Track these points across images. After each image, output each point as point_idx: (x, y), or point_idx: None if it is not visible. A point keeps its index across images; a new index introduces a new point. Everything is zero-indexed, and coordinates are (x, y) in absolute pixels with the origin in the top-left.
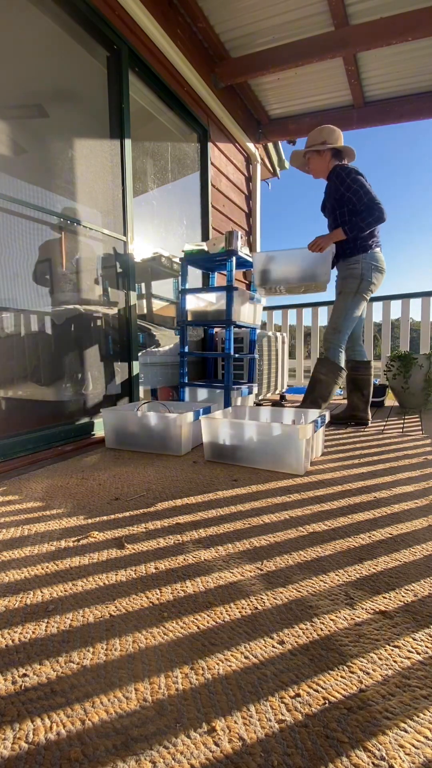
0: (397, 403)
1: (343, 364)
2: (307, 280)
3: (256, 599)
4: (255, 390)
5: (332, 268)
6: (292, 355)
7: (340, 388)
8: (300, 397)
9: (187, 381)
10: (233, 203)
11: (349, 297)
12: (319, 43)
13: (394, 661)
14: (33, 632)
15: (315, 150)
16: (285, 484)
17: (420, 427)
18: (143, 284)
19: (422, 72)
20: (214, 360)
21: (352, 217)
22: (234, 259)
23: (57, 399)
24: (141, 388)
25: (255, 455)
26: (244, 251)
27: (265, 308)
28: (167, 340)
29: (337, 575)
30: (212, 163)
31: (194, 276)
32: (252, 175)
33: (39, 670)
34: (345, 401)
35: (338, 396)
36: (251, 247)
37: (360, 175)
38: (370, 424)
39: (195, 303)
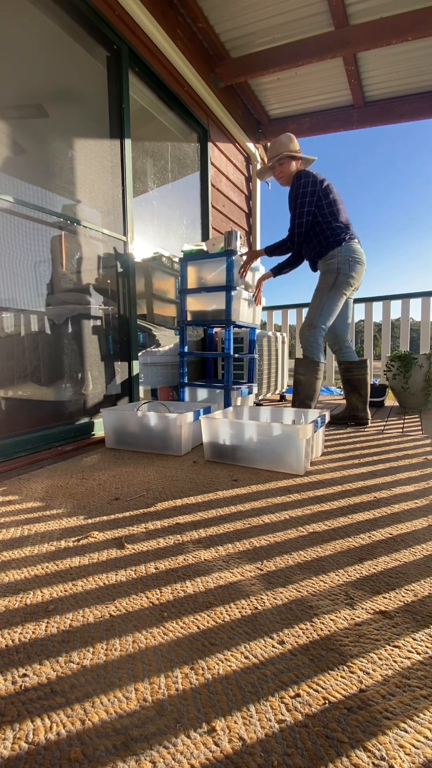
0: (397, 403)
1: (320, 358)
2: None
3: (256, 599)
4: (255, 390)
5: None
6: (292, 355)
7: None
8: None
9: (187, 381)
10: (233, 203)
11: (324, 292)
12: (319, 43)
13: (394, 661)
14: (33, 632)
15: (278, 160)
16: (285, 484)
17: (420, 427)
18: (143, 284)
19: (422, 72)
20: (214, 360)
21: (281, 240)
22: (234, 259)
23: (57, 399)
24: (141, 388)
25: (255, 455)
26: (243, 251)
27: (265, 308)
28: (167, 340)
29: (337, 575)
30: (212, 163)
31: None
32: (252, 175)
33: (39, 670)
34: (344, 401)
35: (338, 396)
36: (251, 247)
37: (312, 192)
38: (370, 424)
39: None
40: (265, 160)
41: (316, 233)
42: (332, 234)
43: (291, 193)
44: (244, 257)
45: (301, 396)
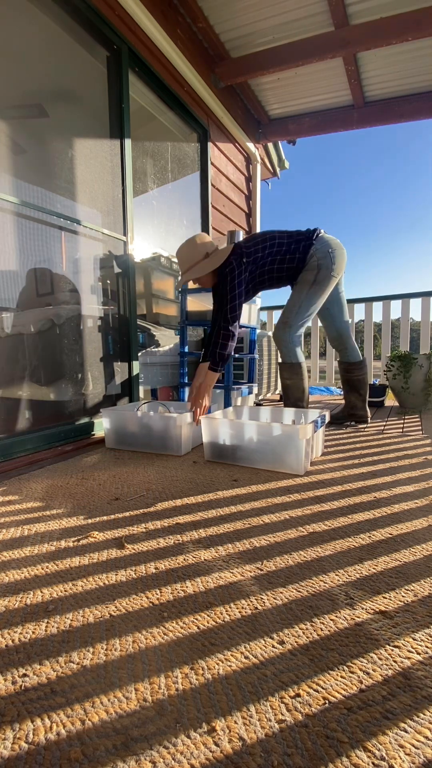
0: (397, 403)
1: (299, 357)
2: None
3: (256, 599)
4: (255, 390)
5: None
6: None
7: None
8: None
9: (187, 381)
10: (233, 203)
11: (304, 288)
12: (319, 43)
13: (394, 661)
14: (33, 632)
15: (191, 276)
16: (285, 484)
17: (420, 427)
18: (143, 284)
19: (422, 72)
20: None
21: (214, 346)
22: None
23: (57, 399)
24: (141, 388)
25: (255, 455)
26: None
27: (264, 308)
28: (167, 340)
29: (337, 575)
30: (212, 163)
31: None
32: (252, 175)
33: (39, 670)
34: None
35: (338, 396)
36: None
37: (242, 263)
38: (369, 424)
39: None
40: (266, 161)
41: (283, 269)
42: (296, 251)
43: (219, 290)
44: (194, 401)
45: (292, 399)
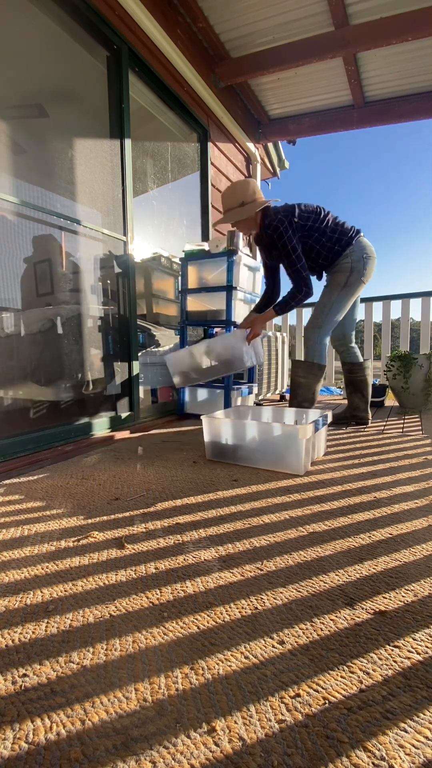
0: (397, 403)
1: (324, 360)
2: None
3: (256, 599)
4: (255, 390)
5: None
6: (292, 355)
7: (340, 388)
8: None
9: None
10: None
11: (335, 290)
12: (319, 43)
13: (394, 661)
14: (33, 632)
15: (238, 218)
16: (285, 484)
17: (420, 427)
18: (143, 284)
19: (422, 72)
20: None
21: (290, 293)
22: (235, 259)
23: (57, 399)
24: (141, 388)
25: (255, 455)
26: (245, 251)
27: None
28: (167, 340)
29: (337, 575)
30: (212, 163)
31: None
32: (252, 175)
33: (39, 670)
34: (345, 401)
35: (338, 396)
36: (251, 247)
37: (290, 225)
38: (370, 424)
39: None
40: (266, 161)
41: (318, 253)
42: (338, 241)
43: (267, 240)
44: (246, 331)
45: (299, 399)
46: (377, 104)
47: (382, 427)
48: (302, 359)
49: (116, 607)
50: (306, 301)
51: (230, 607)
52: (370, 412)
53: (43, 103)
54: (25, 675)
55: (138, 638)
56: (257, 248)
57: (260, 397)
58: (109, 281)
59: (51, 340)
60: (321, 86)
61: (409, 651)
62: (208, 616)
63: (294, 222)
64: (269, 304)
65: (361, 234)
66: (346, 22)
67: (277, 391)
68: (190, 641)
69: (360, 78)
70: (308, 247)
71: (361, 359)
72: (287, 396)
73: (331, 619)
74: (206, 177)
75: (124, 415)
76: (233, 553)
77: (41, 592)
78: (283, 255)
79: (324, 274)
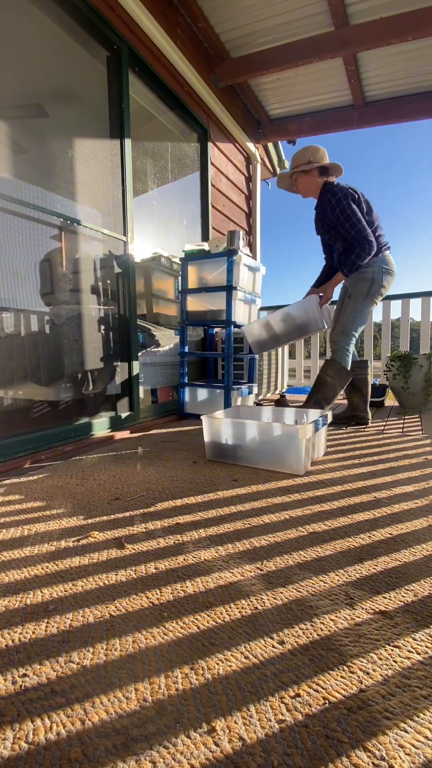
0: (397, 403)
1: (348, 365)
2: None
3: (256, 599)
4: (255, 390)
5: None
6: (292, 355)
7: None
8: (300, 397)
9: (187, 381)
10: (233, 203)
11: (359, 299)
12: (319, 43)
13: (394, 661)
14: (33, 632)
15: (302, 170)
16: (285, 484)
17: (420, 427)
18: (143, 284)
19: (422, 72)
20: (214, 360)
21: (348, 255)
22: (235, 259)
23: (57, 399)
24: (141, 388)
25: (255, 455)
26: (245, 251)
27: (264, 308)
28: (167, 340)
29: (337, 575)
30: (212, 163)
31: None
32: (252, 175)
33: (39, 670)
34: (345, 401)
35: (338, 396)
36: (251, 247)
37: (351, 197)
38: (370, 424)
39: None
40: (266, 161)
41: (352, 245)
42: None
43: (326, 206)
44: (317, 296)
45: (319, 396)
46: (377, 104)
47: (382, 427)
48: (335, 360)
49: (116, 607)
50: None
51: (230, 607)
52: (369, 411)
53: (43, 103)
54: (25, 675)
55: (138, 638)
56: (252, 248)
57: (260, 397)
58: (109, 281)
59: (50, 340)
60: (321, 86)
61: (409, 651)
62: (208, 616)
63: (354, 197)
64: (330, 276)
65: (389, 251)
66: (346, 22)
67: (277, 391)
68: (190, 641)
69: (360, 78)
70: (341, 244)
71: (358, 358)
72: (287, 396)
73: (331, 619)
74: (206, 177)
75: (124, 415)
76: (233, 553)
77: (41, 592)
78: (341, 219)
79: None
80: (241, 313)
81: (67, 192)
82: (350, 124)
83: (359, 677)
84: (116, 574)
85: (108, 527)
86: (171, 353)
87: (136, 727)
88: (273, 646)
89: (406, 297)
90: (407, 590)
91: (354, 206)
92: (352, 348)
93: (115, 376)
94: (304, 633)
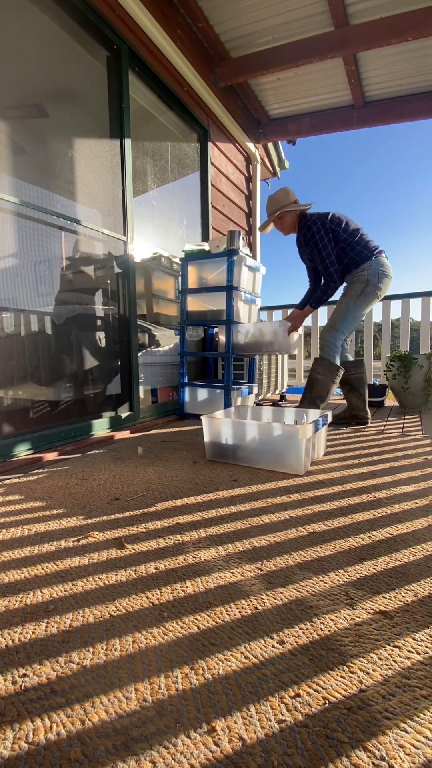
0: (397, 403)
1: (337, 360)
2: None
3: (256, 599)
4: (255, 390)
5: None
6: (292, 356)
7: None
8: (300, 397)
9: (187, 381)
10: (233, 203)
11: (352, 298)
12: (319, 43)
13: (394, 661)
14: (33, 632)
15: (277, 217)
16: (285, 484)
17: (420, 427)
18: (143, 284)
19: (422, 72)
20: (214, 360)
21: (316, 290)
22: (235, 259)
23: (57, 399)
24: (141, 388)
25: (255, 455)
26: (245, 251)
27: (264, 308)
28: (167, 340)
29: (337, 575)
30: (212, 163)
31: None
32: (252, 175)
33: (39, 670)
34: (344, 401)
35: (338, 396)
36: (251, 247)
37: (326, 229)
38: (370, 424)
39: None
40: (266, 161)
41: (341, 259)
42: (359, 253)
43: (302, 239)
44: (288, 324)
45: (313, 394)
46: (377, 104)
47: (382, 427)
48: (322, 356)
49: (116, 607)
50: (334, 296)
51: (230, 607)
52: (369, 411)
53: (43, 103)
54: (25, 675)
55: (138, 638)
56: (252, 248)
57: (260, 397)
58: (109, 281)
59: (51, 340)
60: (321, 86)
61: (409, 651)
62: (208, 616)
63: (326, 225)
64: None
65: (384, 254)
66: (346, 22)
67: (277, 391)
68: (190, 641)
69: (360, 78)
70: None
71: (352, 357)
72: (287, 396)
73: (331, 619)
74: (206, 177)
75: (124, 415)
76: (233, 553)
77: (41, 592)
78: (315, 252)
79: (344, 282)
80: (241, 314)
81: (67, 192)
82: (350, 124)
83: (359, 677)
84: (116, 574)
85: (108, 527)
86: (171, 353)
87: (136, 727)
88: (273, 646)
89: (406, 297)
90: (407, 590)
91: (326, 241)
92: (339, 344)
93: (115, 376)
94: (304, 633)
